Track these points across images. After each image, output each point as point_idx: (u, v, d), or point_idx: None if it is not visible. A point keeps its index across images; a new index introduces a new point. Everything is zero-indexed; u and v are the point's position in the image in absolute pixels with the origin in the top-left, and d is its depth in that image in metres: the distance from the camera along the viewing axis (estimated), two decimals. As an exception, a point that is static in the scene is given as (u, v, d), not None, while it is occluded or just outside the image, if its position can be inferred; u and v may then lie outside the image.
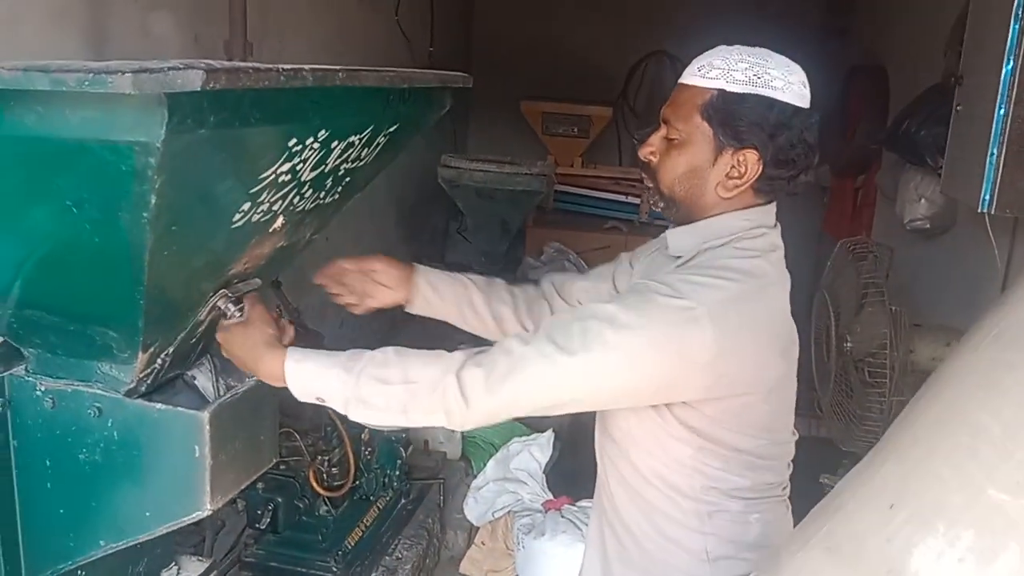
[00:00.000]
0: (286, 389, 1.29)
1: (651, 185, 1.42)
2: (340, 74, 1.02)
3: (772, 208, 1.39)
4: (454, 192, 3.82)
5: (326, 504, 2.35)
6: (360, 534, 2.46)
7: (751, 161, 1.31)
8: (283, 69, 0.90)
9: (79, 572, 1.36)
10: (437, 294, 1.62)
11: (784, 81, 1.29)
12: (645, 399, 1.31)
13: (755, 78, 1.28)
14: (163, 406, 1.23)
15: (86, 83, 0.76)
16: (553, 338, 1.23)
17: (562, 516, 2.49)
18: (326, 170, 1.21)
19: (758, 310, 1.30)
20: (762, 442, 1.37)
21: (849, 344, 2.54)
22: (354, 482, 2.39)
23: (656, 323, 1.23)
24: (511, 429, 3.27)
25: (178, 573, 1.65)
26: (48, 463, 1.26)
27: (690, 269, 1.32)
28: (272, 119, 0.98)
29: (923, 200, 2.97)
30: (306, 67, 0.95)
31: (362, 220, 4.02)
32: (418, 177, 4.31)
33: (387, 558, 2.56)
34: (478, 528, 2.79)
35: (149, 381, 1.25)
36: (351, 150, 1.23)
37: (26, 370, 1.25)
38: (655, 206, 1.44)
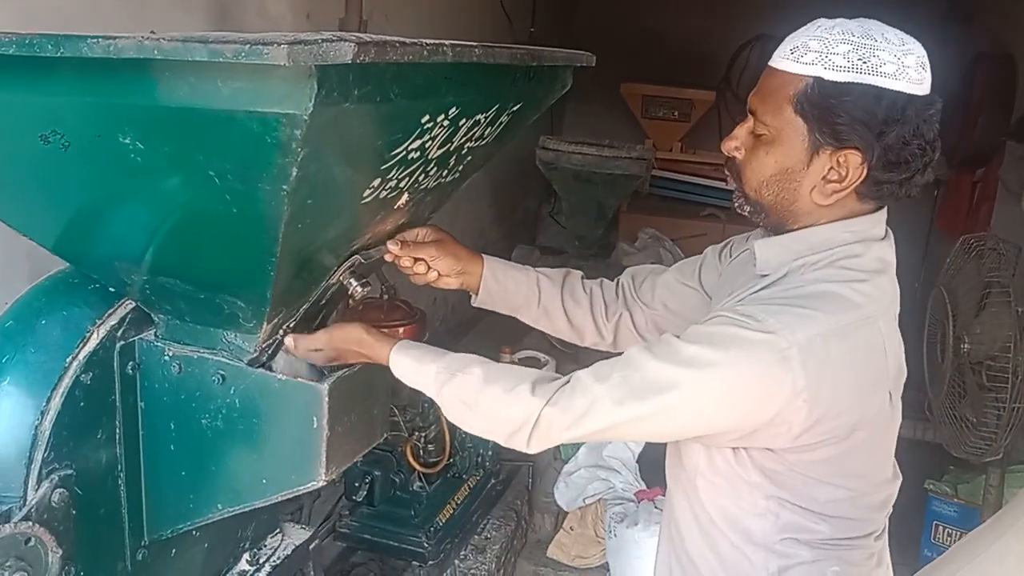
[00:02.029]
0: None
1: (734, 185, 1.24)
2: (476, 50, 1.00)
3: (882, 215, 1.20)
4: (551, 174, 3.79)
5: (420, 480, 2.39)
6: (451, 512, 2.48)
7: (853, 164, 1.12)
8: (426, 43, 0.90)
9: (194, 532, 1.41)
10: (503, 290, 1.49)
11: (896, 64, 1.08)
12: (725, 443, 1.18)
13: (859, 62, 1.07)
14: (284, 376, 1.25)
15: (242, 54, 0.76)
16: (628, 380, 1.12)
17: (655, 507, 2.46)
18: (451, 148, 1.20)
19: (862, 347, 1.12)
20: (853, 491, 1.21)
21: (967, 345, 2.42)
22: (448, 459, 2.42)
23: (737, 362, 1.07)
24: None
25: (282, 539, 1.69)
26: (172, 426, 1.29)
27: (778, 293, 1.15)
28: (409, 95, 0.97)
29: (1052, 196, 2.81)
30: (446, 42, 0.94)
31: (457, 200, 4.04)
32: (513, 158, 4.31)
33: (476, 537, 2.59)
34: (567, 513, 2.78)
35: (270, 351, 1.28)
36: (476, 128, 1.22)
37: (156, 335, 1.28)
38: (740, 210, 1.24)
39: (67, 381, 1.18)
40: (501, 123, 1.29)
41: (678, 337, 1.13)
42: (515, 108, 1.29)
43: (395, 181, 1.13)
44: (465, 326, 4.56)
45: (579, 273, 1.54)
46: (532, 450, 1.18)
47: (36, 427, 1.15)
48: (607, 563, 2.62)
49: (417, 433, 2.34)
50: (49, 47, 0.83)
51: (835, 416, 1.11)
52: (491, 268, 1.48)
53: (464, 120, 1.15)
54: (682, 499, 1.31)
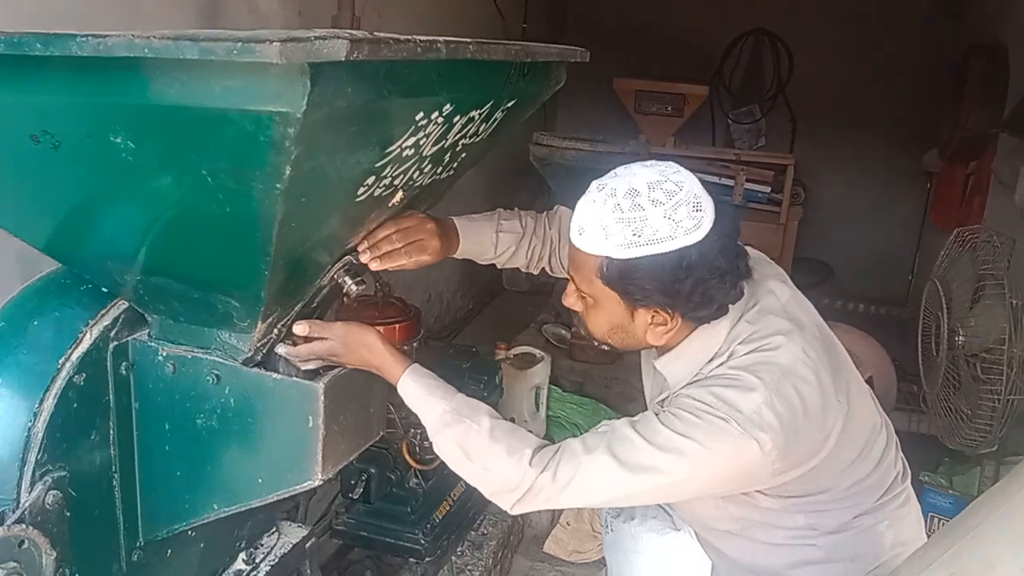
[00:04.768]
0: None
1: (584, 332, 1.38)
2: (471, 46, 1.00)
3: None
4: (545, 170, 3.78)
5: (416, 477, 2.37)
6: (447, 508, 2.47)
7: (666, 315, 1.25)
8: (419, 40, 0.89)
9: (190, 532, 1.40)
10: (464, 254, 1.59)
11: (670, 225, 1.16)
12: (716, 495, 1.33)
13: (635, 237, 1.17)
14: (279, 376, 1.24)
15: (234, 52, 0.75)
16: (614, 451, 1.21)
17: (652, 502, 2.45)
18: (446, 145, 1.19)
19: (801, 389, 1.23)
20: (866, 461, 1.36)
21: (961, 338, 2.42)
22: (444, 456, 2.40)
23: (708, 448, 1.18)
24: (595, 410, 3.25)
25: (279, 538, 1.69)
26: (167, 426, 1.29)
27: (718, 374, 1.26)
28: (403, 92, 0.96)
29: (1047, 188, 2.81)
30: (440, 39, 0.93)
31: (451, 196, 4.03)
32: (507, 154, 4.29)
33: (472, 533, 2.58)
34: (563, 508, 2.78)
35: (265, 351, 1.27)
36: (471, 125, 1.21)
37: (149, 335, 1.28)
38: (601, 347, 1.42)
39: (60, 382, 1.17)
40: (495, 120, 1.29)
41: (659, 418, 1.23)
42: (509, 104, 1.29)
43: (389, 179, 1.13)
44: (460, 323, 4.56)
45: (530, 232, 1.62)
46: (514, 512, 1.28)
47: (29, 429, 1.15)
48: (604, 558, 2.61)
49: (413, 430, 2.32)
50: (38, 46, 0.82)
51: (808, 447, 1.24)
52: (461, 251, 1.56)
53: (458, 117, 1.14)
54: (734, 552, 1.48)
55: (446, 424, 1.29)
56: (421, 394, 1.31)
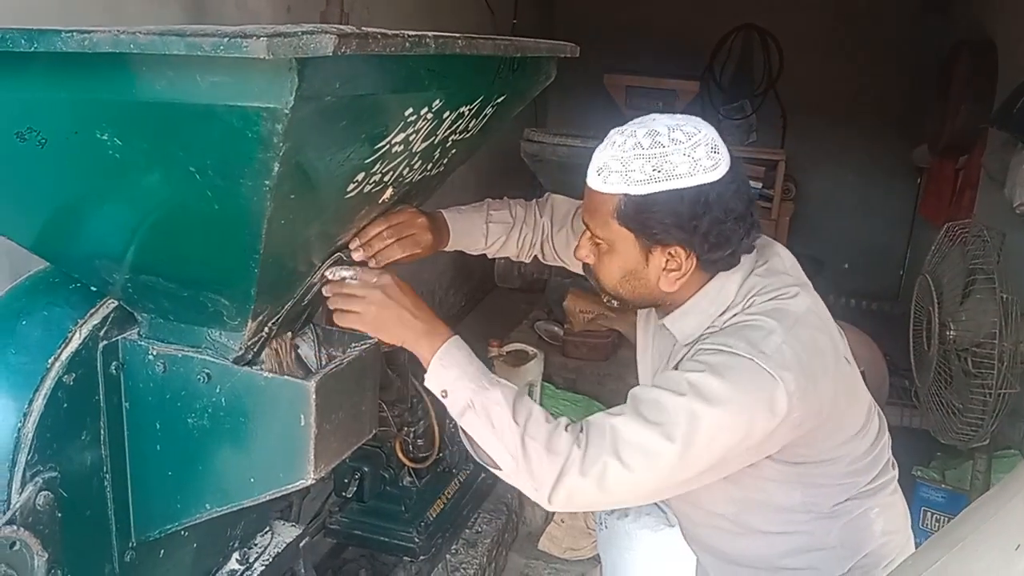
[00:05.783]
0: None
1: (596, 285, 1.38)
2: (459, 41, 0.99)
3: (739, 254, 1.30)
4: (536, 166, 3.77)
5: (410, 475, 2.37)
6: (441, 506, 2.47)
7: (682, 256, 1.26)
8: (408, 35, 0.88)
9: (183, 532, 1.39)
10: (455, 246, 1.61)
11: (689, 163, 1.19)
12: (734, 466, 1.27)
13: (655, 172, 1.19)
14: (270, 374, 1.24)
15: (221, 47, 0.75)
16: (643, 413, 1.19)
17: (645, 498, 2.45)
18: (435, 141, 1.19)
19: (812, 330, 1.26)
20: (864, 439, 1.38)
21: (952, 332, 2.43)
22: (438, 454, 2.40)
23: (738, 387, 1.17)
24: (588, 407, 3.26)
25: (272, 537, 1.68)
26: (158, 426, 1.28)
27: (735, 326, 1.27)
28: (392, 88, 0.96)
29: (1036, 183, 2.81)
30: (429, 34, 0.93)
31: (442, 193, 4.02)
32: (497, 151, 4.28)
33: (467, 531, 2.58)
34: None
35: (256, 349, 1.26)
36: (460, 121, 1.21)
37: (139, 334, 1.27)
38: (610, 304, 1.39)
39: (49, 382, 1.16)
40: (485, 115, 1.29)
41: (680, 368, 1.22)
42: (499, 100, 1.28)
43: (379, 175, 1.12)
44: (452, 320, 4.55)
45: (520, 220, 1.65)
46: (552, 505, 1.21)
47: (19, 430, 1.14)
48: (598, 555, 2.61)
49: (406, 428, 2.31)
50: (23, 42, 0.82)
51: (822, 393, 1.24)
52: (452, 243, 1.58)
53: (448, 113, 1.14)
54: (728, 543, 1.47)
55: (492, 382, 1.24)
56: (466, 357, 1.27)
